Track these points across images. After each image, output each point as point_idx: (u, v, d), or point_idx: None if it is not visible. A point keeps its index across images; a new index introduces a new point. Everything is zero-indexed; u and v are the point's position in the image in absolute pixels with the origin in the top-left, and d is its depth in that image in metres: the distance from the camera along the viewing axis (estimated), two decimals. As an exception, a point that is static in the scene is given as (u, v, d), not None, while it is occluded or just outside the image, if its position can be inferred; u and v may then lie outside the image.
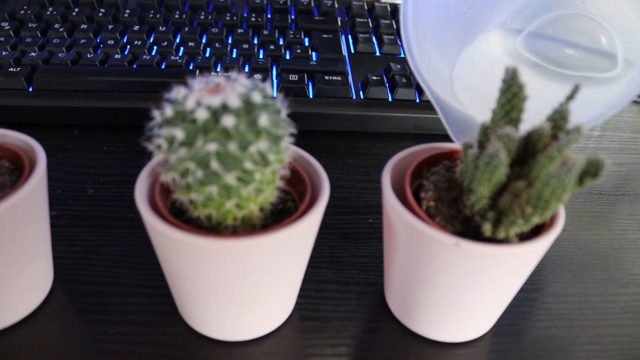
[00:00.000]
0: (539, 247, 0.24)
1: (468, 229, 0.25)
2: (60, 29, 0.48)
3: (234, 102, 0.22)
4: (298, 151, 0.28)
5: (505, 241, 0.24)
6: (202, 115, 0.21)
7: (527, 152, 0.23)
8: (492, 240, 0.24)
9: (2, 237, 0.25)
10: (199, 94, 0.22)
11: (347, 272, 0.33)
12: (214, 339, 0.28)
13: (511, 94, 0.23)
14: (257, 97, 0.22)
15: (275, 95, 0.24)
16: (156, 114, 0.23)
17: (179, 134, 0.21)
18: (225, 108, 0.22)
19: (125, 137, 0.44)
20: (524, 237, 0.25)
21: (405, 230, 0.25)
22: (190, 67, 0.46)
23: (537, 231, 0.25)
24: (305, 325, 0.30)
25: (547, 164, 0.22)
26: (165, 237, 0.23)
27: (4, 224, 0.24)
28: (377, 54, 0.51)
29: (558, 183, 0.21)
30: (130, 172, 0.40)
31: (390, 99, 0.45)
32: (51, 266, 0.31)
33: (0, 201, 0.24)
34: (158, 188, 0.26)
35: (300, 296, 0.31)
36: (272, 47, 0.49)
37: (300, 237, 0.24)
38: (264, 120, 0.22)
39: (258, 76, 0.45)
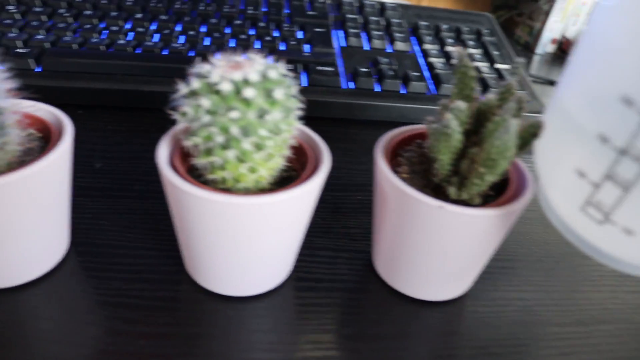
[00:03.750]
0: (512, 210, 0.27)
1: (438, 197, 0.28)
2: (66, 14, 0.51)
3: (254, 76, 0.25)
4: (301, 127, 0.31)
5: (479, 205, 0.28)
6: (226, 87, 0.24)
7: (480, 122, 0.27)
8: (460, 202, 0.28)
9: (27, 198, 0.27)
10: (223, 70, 0.25)
11: (337, 240, 0.36)
12: (219, 294, 0.31)
13: (461, 74, 0.27)
14: (273, 74, 0.25)
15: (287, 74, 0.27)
16: (182, 85, 0.26)
17: (206, 102, 0.25)
18: (246, 82, 0.25)
19: (129, 118, 0.46)
20: (490, 201, 0.28)
21: (395, 195, 0.28)
22: (191, 54, 0.49)
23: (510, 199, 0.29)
24: (302, 284, 0.33)
25: (493, 129, 0.25)
26: (184, 193, 0.26)
27: (29, 186, 0.27)
28: (366, 48, 0.54)
29: (501, 142, 0.24)
30: (135, 149, 0.43)
31: (377, 90, 0.48)
32: (68, 230, 0.33)
33: (30, 163, 0.26)
34: (178, 153, 0.29)
35: (297, 260, 0.34)
36: (268, 38, 0.52)
37: (303, 199, 0.28)
38: (279, 93, 0.25)
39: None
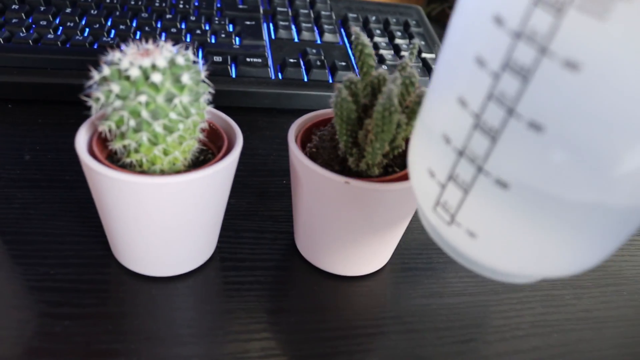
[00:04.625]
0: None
1: (344, 170, 0.30)
2: (-7, 10, 0.51)
3: (161, 62, 0.26)
4: (216, 112, 0.33)
5: (378, 175, 0.30)
6: (134, 72, 0.26)
7: (375, 96, 0.29)
8: (364, 175, 0.30)
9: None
10: (132, 57, 0.27)
11: (262, 223, 0.38)
12: (144, 275, 0.33)
13: (359, 52, 0.29)
14: (180, 60, 0.27)
15: (197, 62, 0.28)
16: (94, 72, 0.27)
17: (115, 87, 0.26)
18: (154, 67, 0.26)
19: (59, 112, 0.47)
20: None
21: (305, 173, 0.30)
22: (122, 49, 0.49)
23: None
24: (226, 264, 0.34)
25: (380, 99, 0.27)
26: (100, 176, 0.27)
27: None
28: (296, 40, 0.56)
29: (382, 107, 0.26)
30: (65, 141, 0.43)
31: (306, 80, 0.50)
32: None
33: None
34: (96, 139, 0.30)
35: (220, 242, 0.35)
36: (198, 31, 0.53)
37: (218, 177, 0.29)
38: (185, 78, 0.27)
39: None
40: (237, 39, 0.54)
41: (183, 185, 0.28)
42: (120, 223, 0.30)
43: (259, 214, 0.39)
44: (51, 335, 0.29)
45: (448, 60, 0.20)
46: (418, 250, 0.38)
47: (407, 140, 0.29)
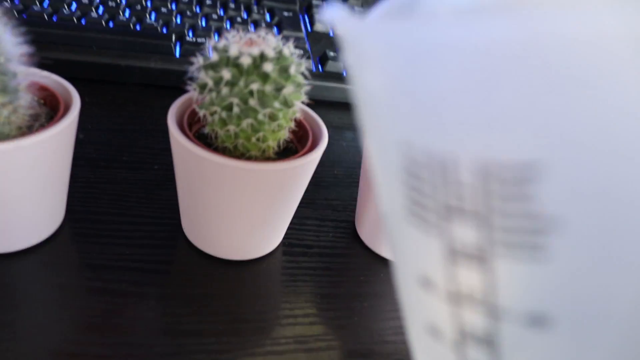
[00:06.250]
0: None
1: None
2: (33, -16, 0.50)
3: (270, 53, 0.27)
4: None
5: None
6: (246, 60, 0.26)
7: None
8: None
9: (37, 162, 0.28)
10: (240, 45, 0.27)
11: (323, 211, 0.39)
12: (219, 258, 0.33)
13: None
14: (287, 51, 0.28)
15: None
16: (199, 59, 0.28)
17: (227, 74, 0.27)
18: (262, 57, 0.27)
19: (105, 91, 0.47)
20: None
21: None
22: (164, 31, 0.50)
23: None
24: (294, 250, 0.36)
25: None
26: (204, 160, 0.28)
27: (39, 151, 0.28)
28: (331, 34, 0.57)
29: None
30: (115, 121, 0.43)
31: (344, 74, 0.51)
32: (65, 197, 0.34)
33: (43, 129, 0.27)
34: (186, 121, 0.30)
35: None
36: (238, 19, 0.53)
37: (307, 168, 0.30)
38: (293, 69, 0.27)
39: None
40: (275, 29, 0.55)
41: (289, 171, 0.28)
42: (212, 207, 0.30)
43: (317, 203, 0.40)
44: (136, 317, 0.29)
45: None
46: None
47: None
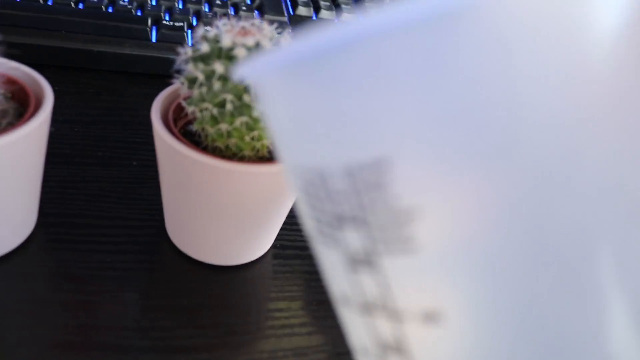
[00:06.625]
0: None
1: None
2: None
3: (267, 43, 0.25)
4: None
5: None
6: (241, 52, 0.24)
7: None
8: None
9: (8, 164, 0.25)
10: (233, 35, 0.25)
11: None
12: (205, 264, 0.31)
13: None
14: (285, 41, 0.25)
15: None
16: (187, 50, 0.25)
17: (219, 68, 0.24)
18: (258, 48, 0.24)
19: (76, 79, 0.43)
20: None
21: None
22: (139, 14, 0.46)
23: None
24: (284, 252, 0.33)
25: None
26: (193, 162, 0.25)
27: (12, 152, 0.25)
28: (314, 18, 0.54)
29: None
30: (89, 112, 0.40)
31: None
32: (38, 200, 0.31)
33: (14, 127, 0.24)
34: (171, 116, 0.28)
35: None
36: (217, 1, 0.50)
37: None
38: (292, 61, 0.25)
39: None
40: (256, 12, 0.52)
41: (277, 174, 0.26)
42: (200, 210, 0.28)
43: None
44: (130, 328, 0.27)
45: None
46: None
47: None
